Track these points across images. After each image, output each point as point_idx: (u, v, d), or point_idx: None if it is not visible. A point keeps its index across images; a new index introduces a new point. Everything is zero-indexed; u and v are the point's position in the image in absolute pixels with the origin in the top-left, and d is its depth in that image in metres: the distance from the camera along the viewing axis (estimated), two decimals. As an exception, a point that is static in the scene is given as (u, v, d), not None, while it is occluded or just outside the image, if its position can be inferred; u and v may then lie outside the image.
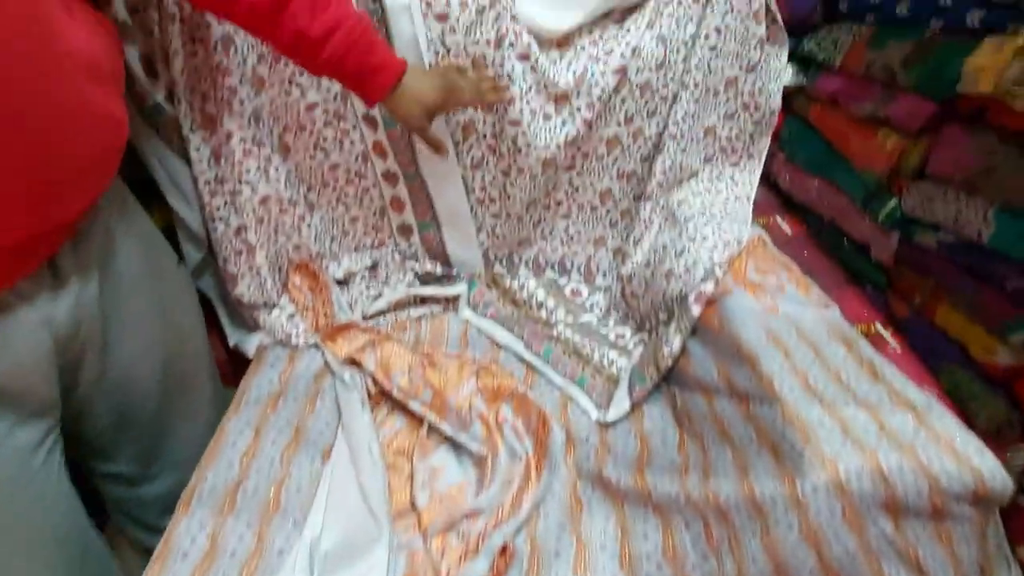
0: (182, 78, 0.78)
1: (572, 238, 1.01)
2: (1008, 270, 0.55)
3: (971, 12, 0.58)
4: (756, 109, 0.86)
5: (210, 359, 0.81)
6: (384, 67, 0.64)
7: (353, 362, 0.82)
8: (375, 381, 0.80)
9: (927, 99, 0.64)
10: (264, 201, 0.85)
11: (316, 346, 0.86)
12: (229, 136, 0.80)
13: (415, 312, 0.97)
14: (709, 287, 0.71)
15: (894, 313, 0.70)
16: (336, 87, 0.83)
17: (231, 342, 0.92)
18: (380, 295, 0.95)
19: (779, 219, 0.86)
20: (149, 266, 0.63)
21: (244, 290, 0.90)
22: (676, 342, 0.73)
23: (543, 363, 0.87)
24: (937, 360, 0.62)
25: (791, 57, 0.85)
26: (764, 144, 0.90)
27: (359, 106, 0.85)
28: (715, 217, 0.86)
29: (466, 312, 0.97)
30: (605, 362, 0.86)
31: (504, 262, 1.02)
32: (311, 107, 0.84)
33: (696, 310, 0.71)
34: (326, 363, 0.84)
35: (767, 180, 0.92)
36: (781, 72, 0.84)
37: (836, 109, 0.79)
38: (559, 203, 0.97)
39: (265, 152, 0.82)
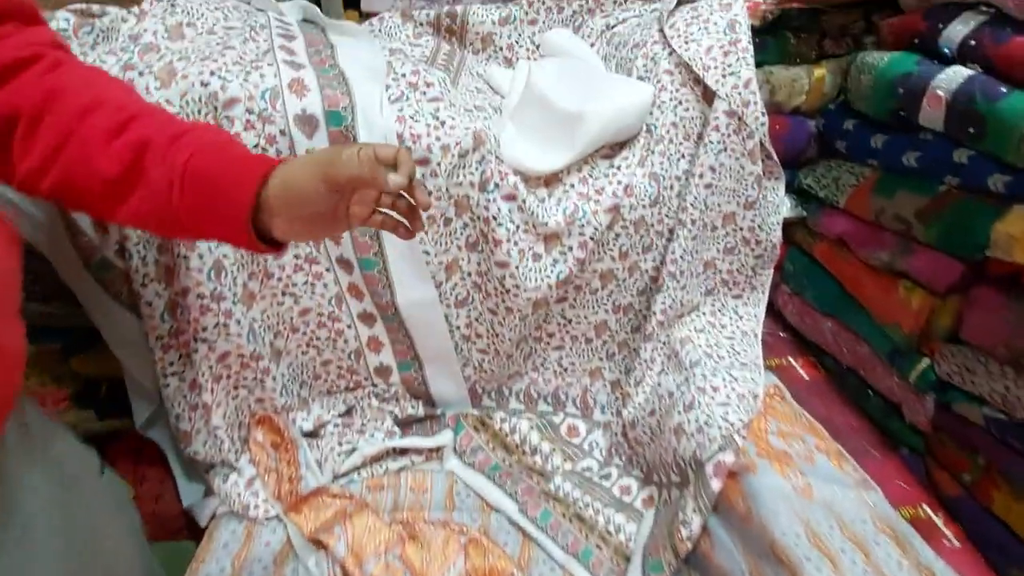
0: (135, 232, 0.70)
1: (566, 369, 0.93)
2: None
3: (993, 176, 0.54)
4: (757, 244, 0.81)
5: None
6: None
7: (320, 543, 0.70)
8: (345, 571, 0.68)
9: (952, 258, 0.59)
10: (223, 358, 0.75)
11: (279, 517, 0.73)
12: (186, 291, 0.72)
13: (394, 464, 0.85)
14: (728, 458, 0.62)
15: (940, 489, 0.61)
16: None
17: (184, 503, 0.80)
18: (354, 449, 0.84)
19: (792, 361, 0.79)
20: (63, 502, 0.51)
21: (199, 448, 0.79)
22: (696, 523, 0.63)
23: (541, 532, 0.75)
24: (1004, 559, 0.53)
25: (788, 188, 0.81)
26: (767, 276, 0.84)
27: (333, 248, 0.78)
28: (723, 361, 0.78)
29: (452, 462, 0.86)
30: (611, 528, 0.74)
31: (493, 395, 0.93)
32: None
33: (716, 484, 0.62)
34: (289, 541, 0.72)
35: (772, 310, 0.86)
36: (780, 205, 0.80)
37: (845, 250, 0.74)
38: (551, 335, 0.89)
39: (225, 306, 0.74)
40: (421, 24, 1.00)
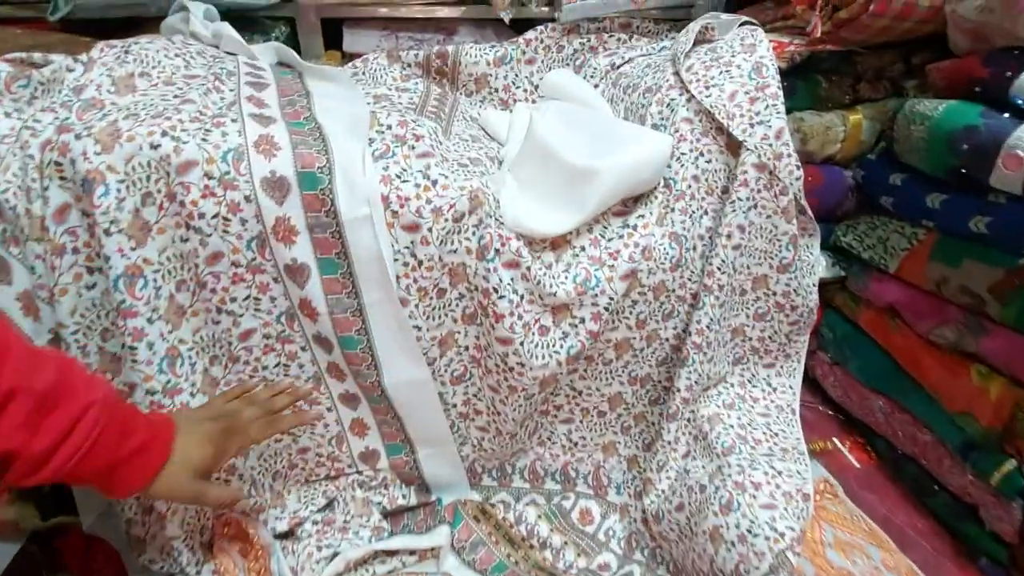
0: (72, 319, 0.59)
1: (576, 444, 0.82)
2: None
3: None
4: (792, 309, 0.72)
5: None
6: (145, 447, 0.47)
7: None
8: None
9: (1041, 345, 0.49)
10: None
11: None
12: (133, 387, 0.60)
13: (382, 568, 0.73)
14: (782, 587, 0.51)
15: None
16: (279, 307, 0.66)
17: None
18: (336, 553, 0.72)
19: (839, 444, 0.69)
20: None
21: (154, 556, 0.67)
22: None
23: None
24: None
25: (823, 244, 0.72)
26: (803, 343, 0.74)
27: (309, 325, 0.67)
28: (761, 446, 0.67)
29: (449, 561, 0.74)
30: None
31: (495, 473, 0.81)
32: (246, 335, 0.66)
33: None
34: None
35: (808, 378, 0.76)
36: (815, 265, 0.71)
37: (899, 323, 0.65)
38: (559, 407, 0.78)
39: (182, 399, 0.62)
40: (409, 65, 0.91)
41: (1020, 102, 0.51)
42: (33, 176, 0.56)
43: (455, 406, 0.76)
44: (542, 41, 0.92)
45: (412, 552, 0.75)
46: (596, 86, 0.88)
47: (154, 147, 0.57)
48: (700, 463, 0.69)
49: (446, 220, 0.64)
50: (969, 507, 0.57)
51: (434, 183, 0.64)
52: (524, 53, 0.92)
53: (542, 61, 0.93)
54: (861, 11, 0.59)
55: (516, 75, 0.93)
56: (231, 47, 0.81)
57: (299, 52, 1.00)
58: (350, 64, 0.91)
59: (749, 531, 0.57)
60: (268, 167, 0.60)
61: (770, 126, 0.65)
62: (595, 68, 0.90)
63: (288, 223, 0.61)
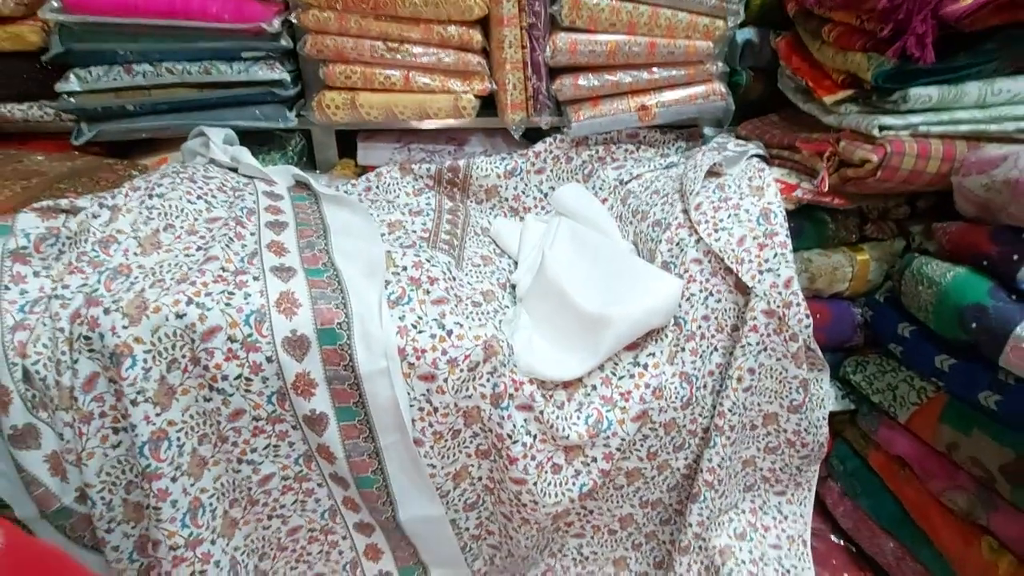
0: (98, 478, 0.59)
1: (587, 558, 0.81)
2: None
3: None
4: (803, 445, 0.71)
5: None
6: None
7: None
8: None
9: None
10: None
11: None
12: (157, 543, 0.60)
13: None
14: None
15: None
16: (298, 450, 0.66)
17: None
18: None
19: (852, 583, 0.68)
20: None
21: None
22: None
23: None
24: None
25: (831, 375, 0.71)
26: (813, 472, 0.73)
27: (326, 466, 0.67)
28: (774, 584, 0.67)
29: None
30: None
31: None
32: (266, 480, 0.66)
33: None
34: None
35: (817, 502, 0.75)
36: (824, 399, 0.70)
37: (909, 474, 0.64)
38: (570, 524, 0.77)
39: (203, 549, 0.62)
40: (421, 178, 0.92)
41: (1027, 290, 0.50)
42: (63, 349, 0.57)
43: (467, 530, 0.76)
44: (551, 152, 0.92)
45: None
46: (604, 200, 0.88)
47: (180, 316, 0.57)
48: (712, 600, 0.68)
49: (461, 370, 0.64)
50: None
51: (449, 333, 0.65)
52: (533, 164, 0.92)
53: (551, 171, 0.93)
54: (868, 175, 0.59)
55: (526, 185, 0.93)
56: (249, 172, 0.81)
57: (314, 163, 1.01)
58: (364, 178, 0.92)
59: None
60: (289, 326, 0.60)
61: (779, 275, 0.65)
62: (603, 180, 0.90)
63: (307, 377, 0.61)
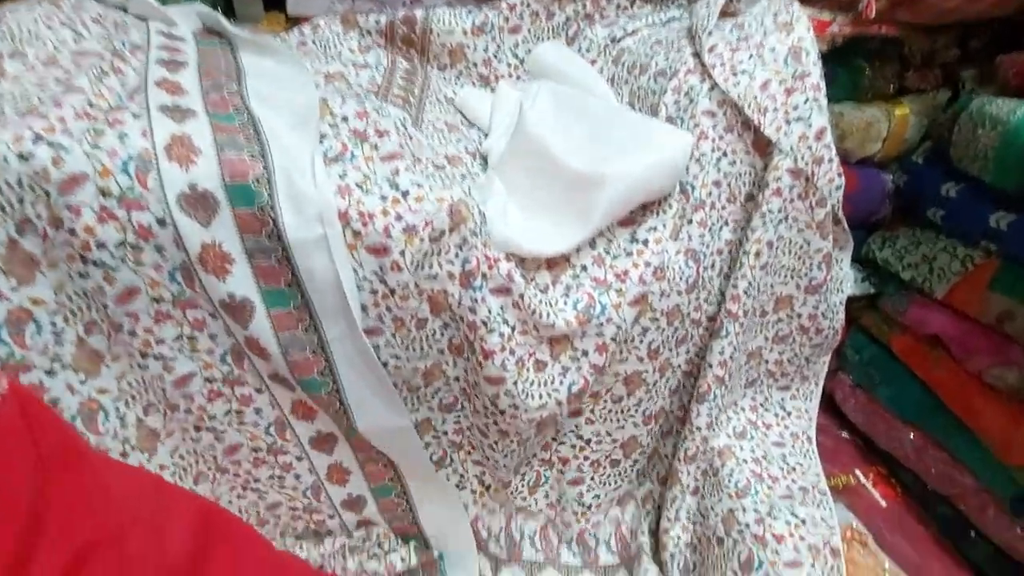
0: None
1: (590, 507, 0.69)
2: None
3: None
4: (817, 332, 0.62)
5: None
6: None
7: None
8: None
9: None
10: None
11: None
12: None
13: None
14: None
15: None
16: (222, 345, 0.52)
17: None
18: None
19: (862, 478, 0.61)
20: None
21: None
22: None
23: None
24: None
25: (852, 256, 0.61)
26: (823, 364, 0.65)
27: (262, 365, 0.53)
28: (778, 485, 0.59)
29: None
30: None
31: (501, 539, 0.70)
32: (183, 381, 0.52)
33: None
34: None
35: (825, 396, 0.67)
36: (844, 282, 0.60)
37: (943, 355, 0.55)
38: (565, 461, 0.66)
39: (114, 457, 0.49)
40: (369, 33, 0.73)
41: None
42: None
43: (446, 433, 0.64)
44: (529, 6, 0.75)
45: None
46: (593, 62, 0.73)
47: (24, 158, 0.41)
48: (710, 503, 0.60)
49: (421, 241, 0.50)
50: (1015, 563, 0.50)
51: (405, 194, 0.50)
52: (508, 20, 0.75)
53: (529, 29, 0.76)
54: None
55: (498, 46, 0.76)
56: (141, 9, 0.62)
57: (232, 16, 0.80)
58: (296, 30, 0.73)
59: (774, 592, 0.49)
60: (185, 179, 0.45)
61: (810, 124, 0.53)
62: (591, 40, 0.74)
63: (219, 250, 0.46)
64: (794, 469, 0.60)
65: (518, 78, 0.77)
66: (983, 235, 0.50)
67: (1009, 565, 0.50)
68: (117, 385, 0.50)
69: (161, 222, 0.44)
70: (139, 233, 0.44)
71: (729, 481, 0.59)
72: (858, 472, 0.61)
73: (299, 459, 0.60)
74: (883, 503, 0.58)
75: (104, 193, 0.43)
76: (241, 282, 0.48)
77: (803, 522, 0.54)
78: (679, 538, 0.62)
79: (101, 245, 0.44)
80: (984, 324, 0.50)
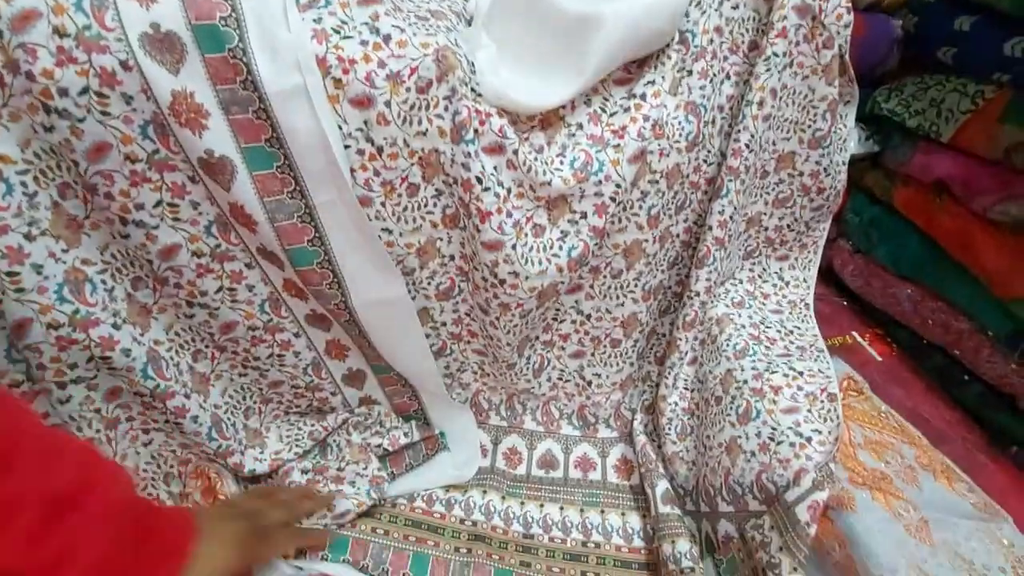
0: None
1: (591, 383, 0.70)
2: None
3: None
4: (818, 192, 0.60)
5: None
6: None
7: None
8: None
9: None
10: (112, 395, 0.51)
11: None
12: (23, 326, 0.45)
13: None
14: (823, 496, 0.44)
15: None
16: (206, 215, 0.50)
17: None
18: (326, 515, 0.60)
19: (858, 338, 0.61)
20: None
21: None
22: (786, 567, 0.45)
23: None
24: None
25: (856, 115, 0.58)
26: (823, 231, 0.64)
27: (250, 238, 0.52)
28: (776, 346, 0.59)
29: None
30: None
31: (503, 410, 0.71)
32: (168, 252, 0.50)
33: (813, 530, 0.44)
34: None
35: (822, 271, 0.66)
36: (847, 140, 0.58)
37: (947, 200, 0.54)
38: (566, 337, 0.66)
39: (100, 332, 0.48)
40: None
41: None
42: None
43: (444, 324, 0.64)
44: None
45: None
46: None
47: (-39, -15, 0.37)
48: (709, 368, 0.60)
49: (408, 90, 0.47)
50: (1004, 397, 0.51)
51: (387, 39, 0.47)
52: None
53: None
54: None
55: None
56: None
57: None
58: None
59: (771, 439, 0.50)
60: (146, 17, 0.41)
61: (820, -50, 0.49)
62: None
63: (191, 100, 0.43)
64: (791, 332, 0.61)
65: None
66: (997, 66, 0.48)
67: (999, 400, 0.52)
68: (100, 256, 0.48)
69: (125, 66, 0.41)
70: (102, 78, 0.41)
71: (727, 345, 0.59)
72: (855, 333, 0.61)
73: (296, 336, 0.60)
74: (879, 358, 0.59)
75: (59, 32, 0.39)
76: (218, 138, 0.45)
77: (800, 374, 0.55)
78: (676, 404, 0.63)
79: (63, 92, 0.40)
80: (990, 161, 0.49)
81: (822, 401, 0.52)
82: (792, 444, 0.49)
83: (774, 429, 0.50)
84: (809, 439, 0.48)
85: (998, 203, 0.48)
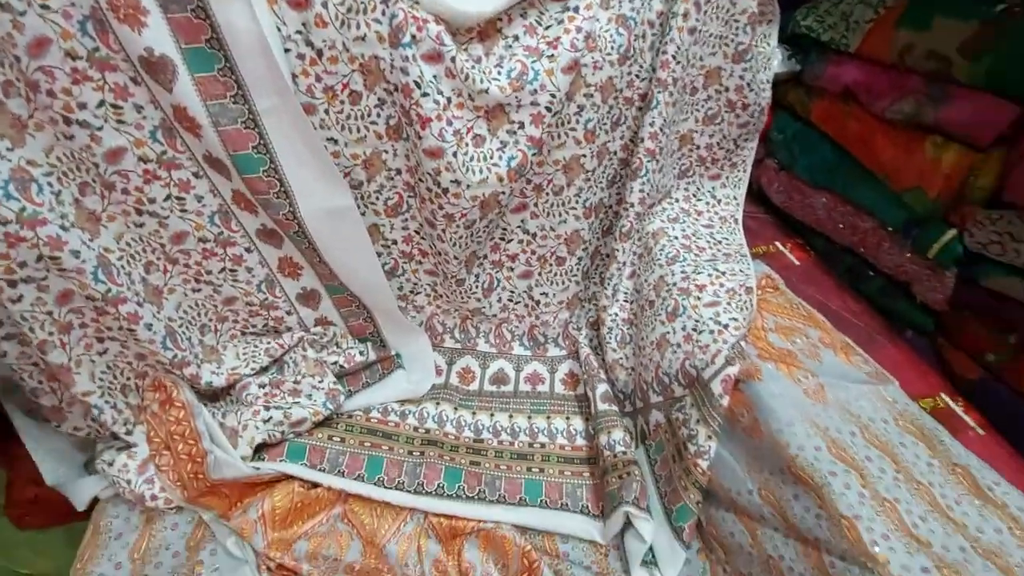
0: None
1: (539, 303, 0.74)
2: None
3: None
4: (743, 108, 0.64)
5: None
6: None
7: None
8: (275, 547, 0.53)
9: (1003, 100, 0.44)
10: (64, 298, 0.53)
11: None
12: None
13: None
14: (734, 371, 0.49)
15: (956, 373, 0.52)
16: (151, 119, 0.51)
17: (49, 481, 0.59)
18: (286, 414, 0.64)
19: (780, 246, 0.66)
20: None
21: (77, 422, 0.59)
22: (712, 447, 0.50)
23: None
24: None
25: (779, 38, 0.63)
26: (750, 150, 0.68)
27: (195, 144, 0.53)
28: (704, 253, 0.64)
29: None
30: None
31: (456, 333, 0.75)
32: (114, 155, 0.51)
33: (726, 401, 0.49)
34: (203, 520, 0.56)
35: (751, 190, 0.71)
36: (771, 58, 0.62)
37: (853, 107, 0.58)
38: (513, 257, 0.69)
39: (47, 231, 0.49)
40: None
41: None
42: None
43: (395, 243, 0.67)
44: None
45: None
46: None
47: None
48: (644, 278, 0.65)
49: (345, -7, 0.49)
50: (901, 285, 0.57)
51: (323, -59, 0.48)
52: None
53: None
54: None
55: None
56: None
57: None
58: None
59: (695, 330, 0.55)
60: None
61: None
62: None
63: (129, -4, 0.45)
64: (720, 242, 0.65)
65: None
66: (897, -25, 0.52)
67: (895, 289, 0.57)
68: (46, 159, 0.50)
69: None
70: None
71: (660, 254, 0.64)
72: (777, 243, 0.66)
73: (248, 251, 0.62)
74: (797, 263, 0.64)
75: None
76: (158, 36, 0.47)
77: (723, 274, 0.59)
78: (617, 315, 0.67)
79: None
80: (888, 65, 0.53)
81: (740, 295, 0.56)
82: (712, 332, 0.53)
83: (697, 321, 0.55)
84: (726, 326, 0.53)
85: (893, 103, 0.53)
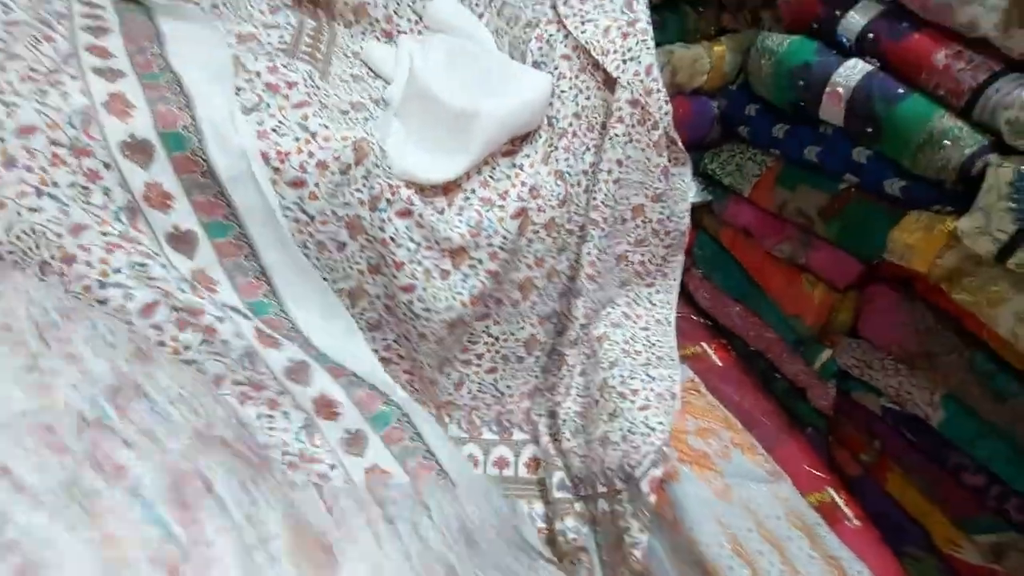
0: None
1: (504, 393, 0.84)
2: (965, 460, 0.50)
3: (890, 180, 0.52)
4: (666, 234, 0.78)
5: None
6: None
7: None
8: None
9: (851, 256, 0.58)
10: None
11: None
12: None
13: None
14: (659, 472, 0.61)
15: (842, 468, 0.64)
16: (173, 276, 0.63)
17: None
18: None
19: (706, 347, 0.79)
20: None
21: None
22: (645, 541, 0.60)
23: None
24: (899, 540, 0.56)
25: (693, 171, 0.77)
26: (677, 263, 0.81)
27: (216, 296, 0.65)
28: (640, 357, 0.76)
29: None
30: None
31: (433, 421, 0.85)
32: (148, 309, 0.63)
33: (653, 499, 0.60)
34: None
35: (685, 293, 0.84)
36: (687, 192, 0.76)
37: (751, 239, 0.72)
38: (480, 356, 0.81)
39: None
40: (278, -6, 0.82)
41: (844, 40, 0.55)
42: None
43: (376, 351, 0.78)
44: (424, -35, 0.85)
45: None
46: (481, 16, 0.84)
47: (-20, 116, 0.50)
48: (592, 377, 0.77)
49: (332, 173, 0.62)
50: (800, 390, 0.69)
51: (314, 135, 0.62)
52: (405, -20, 0.85)
53: (426, -14, 0.86)
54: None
55: (398, 3, 0.86)
56: (59, -19, 0.69)
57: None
58: (210, -4, 0.81)
59: (630, 431, 0.66)
60: (125, 129, 0.55)
61: (640, 62, 0.67)
62: (480, -6, 0.85)
63: (160, 188, 0.57)
64: (654, 344, 0.78)
65: (420, 32, 0.87)
66: (771, 143, 0.67)
67: (796, 392, 0.70)
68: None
69: (107, 166, 0.55)
70: (87, 175, 0.54)
71: (604, 358, 0.76)
72: (704, 344, 0.79)
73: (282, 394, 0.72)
74: (720, 364, 0.76)
75: (55, 143, 0.53)
76: (183, 215, 0.59)
77: (654, 379, 0.71)
78: (570, 409, 0.78)
79: (55, 184, 0.54)
80: (772, 212, 0.67)
81: (667, 399, 0.68)
82: (644, 434, 0.65)
83: (631, 423, 0.66)
84: (654, 429, 0.65)
85: (777, 243, 0.67)
